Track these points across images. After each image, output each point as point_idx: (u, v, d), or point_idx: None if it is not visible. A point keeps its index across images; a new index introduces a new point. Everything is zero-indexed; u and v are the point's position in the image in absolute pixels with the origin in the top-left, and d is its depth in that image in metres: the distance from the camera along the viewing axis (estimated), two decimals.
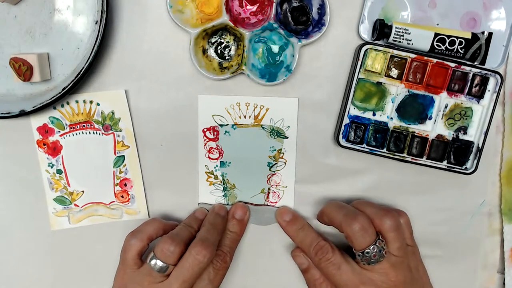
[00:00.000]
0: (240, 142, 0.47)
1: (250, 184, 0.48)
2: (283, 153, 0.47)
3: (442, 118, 0.46)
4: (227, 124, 0.47)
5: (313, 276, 0.45)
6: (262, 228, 0.49)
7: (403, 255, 0.41)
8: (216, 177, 0.48)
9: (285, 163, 0.48)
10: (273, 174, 0.48)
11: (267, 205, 0.49)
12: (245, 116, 0.47)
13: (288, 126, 0.47)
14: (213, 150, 0.47)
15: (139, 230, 0.43)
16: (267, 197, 0.49)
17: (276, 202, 0.49)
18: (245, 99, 0.46)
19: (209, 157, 0.48)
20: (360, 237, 0.39)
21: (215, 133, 0.47)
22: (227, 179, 0.48)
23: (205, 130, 0.47)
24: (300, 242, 0.45)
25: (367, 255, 0.39)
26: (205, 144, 0.47)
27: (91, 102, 0.46)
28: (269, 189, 0.48)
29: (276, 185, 0.48)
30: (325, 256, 0.41)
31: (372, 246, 0.39)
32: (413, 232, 0.47)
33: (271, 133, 0.47)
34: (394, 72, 0.45)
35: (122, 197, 0.48)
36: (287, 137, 0.47)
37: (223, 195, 0.49)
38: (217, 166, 0.48)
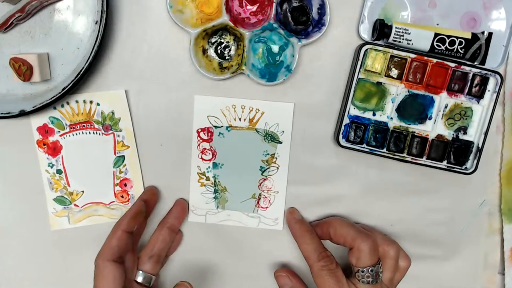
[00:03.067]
0: (234, 145, 0.47)
1: (242, 188, 0.48)
2: (276, 158, 0.47)
3: (442, 118, 0.46)
4: (222, 126, 0.47)
5: None
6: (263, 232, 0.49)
7: (390, 287, 0.42)
8: (207, 179, 0.48)
9: (277, 168, 0.48)
10: (265, 179, 0.48)
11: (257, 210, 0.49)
12: (240, 119, 0.46)
13: (283, 131, 0.47)
14: (206, 151, 0.47)
15: (107, 250, 0.42)
16: (258, 202, 0.49)
17: (266, 208, 0.49)
18: (241, 102, 0.46)
19: (202, 158, 0.47)
20: (367, 255, 0.40)
21: (209, 134, 0.47)
22: (218, 181, 0.48)
23: (199, 130, 0.47)
24: (306, 244, 0.44)
25: (368, 273, 0.40)
26: (199, 145, 0.47)
27: (91, 102, 0.46)
28: (260, 194, 0.48)
29: (268, 190, 0.48)
30: (328, 265, 0.41)
31: (376, 267, 0.40)
32: (414, 232, 0.47)
33: (265, 137, 0.47)
34: (394, 72, 0.45)
35: (122, 197, 0.48)
36: (281, 142, 0.47)
37: (213, 197, 0.48)
38: (209, 167, 0.48)
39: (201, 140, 0.47)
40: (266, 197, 0.48)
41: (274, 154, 0.47)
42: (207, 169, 0.48)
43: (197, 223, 0.49)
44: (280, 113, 0.46)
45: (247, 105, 0.46)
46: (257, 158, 0.47)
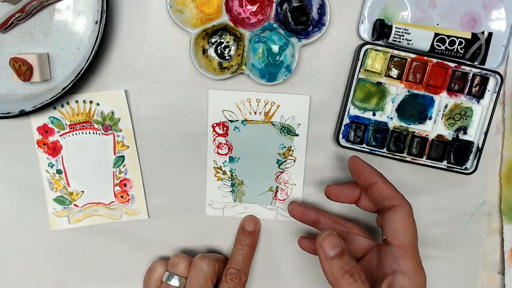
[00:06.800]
0: (250, 138, 0.47)
1: (259, 181, 0.49)
2: (292, 150, 0.47)
3: (442, 118, 0.46)
4: (237, 120, 0.47)
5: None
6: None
7: None
8: (224, 173, 0.48)
9: (294, 160, 0.48)
10: (281, 172, 0.48)
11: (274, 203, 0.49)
12: (255, 113, 0.46)
13: (299, 124, 0.47)
14: (222, 146, 0.47)
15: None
16: (275, 195, 0.49)
17: (284, 200, 0.49)
18: (256, 95, 0.46)
19: (217, 153, 0.47)
20: None
21: (225, 128, 0.47)
22: (235, 175, 0.48)
23: (215, 125, 0.47)
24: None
25: None
26: (214, 139, 0.47)
27: (91, 102, 0.46)
28: (277, 187, 0.49)
29: (285, 183, 0.48)
30: None
31: None
32: None
33: (281, 130, 0.47)
34: (394, 72, 0.45)
35: (122, 197, 0.48)
36: (297, 135, 0.47)
37: (230, 191, 0.49)
38: (225, 161, 0.48)
39: (216, 135, 0.47)
40: (283, 190, 0.49)
41: (290, 147, 0.47)
42: (223, 163, 0.48)
43: (214, 217, 0.49)
44: (296, 105, 0.46)
45: (262, 98, 0.46)
46: (273, 151, 0.47)
